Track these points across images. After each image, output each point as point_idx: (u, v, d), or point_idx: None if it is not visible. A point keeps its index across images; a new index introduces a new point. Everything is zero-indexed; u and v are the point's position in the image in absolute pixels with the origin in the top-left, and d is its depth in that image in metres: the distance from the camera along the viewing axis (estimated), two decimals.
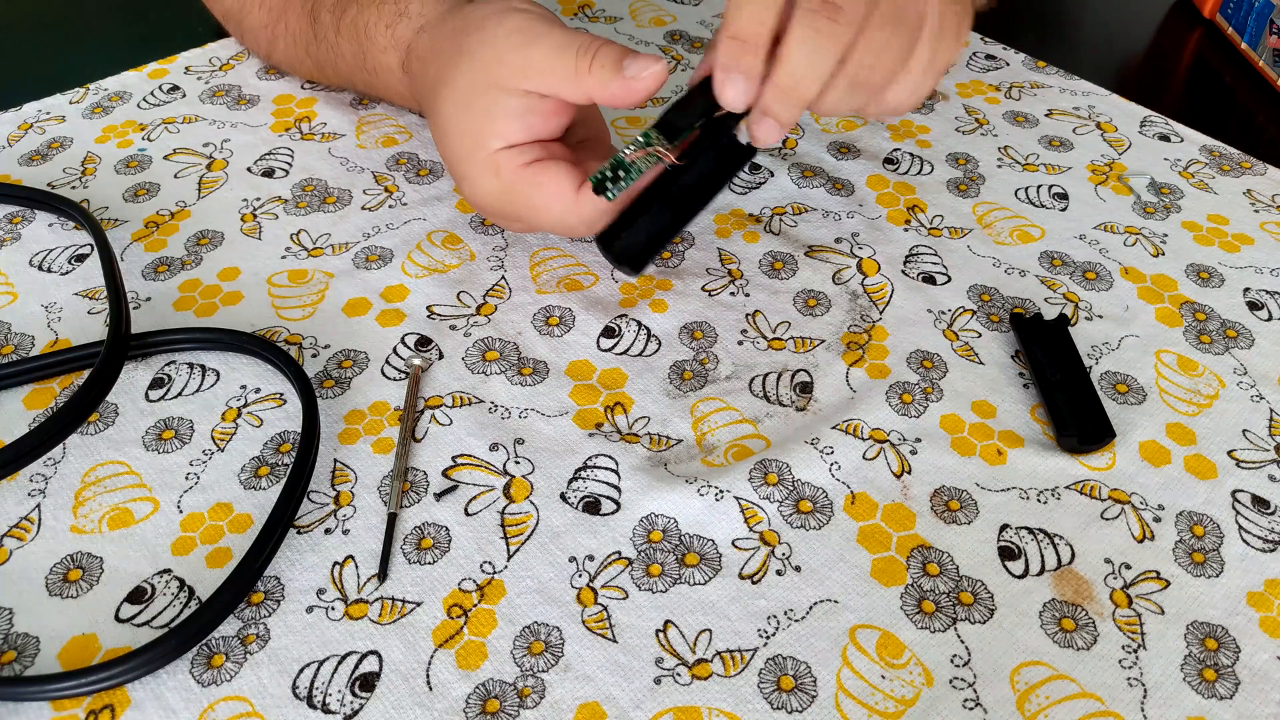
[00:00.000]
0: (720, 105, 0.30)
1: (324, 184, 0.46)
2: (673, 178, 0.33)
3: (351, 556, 0.31)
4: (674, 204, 0.33)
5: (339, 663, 0.29)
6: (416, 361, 0.37)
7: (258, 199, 0.45)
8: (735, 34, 0.28)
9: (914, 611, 0.31)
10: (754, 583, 0.31)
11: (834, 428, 0.36)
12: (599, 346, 0.39)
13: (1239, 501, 0.34)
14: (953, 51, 0.30)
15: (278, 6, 0.47)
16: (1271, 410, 0.37)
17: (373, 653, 0.29)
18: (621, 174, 0.33)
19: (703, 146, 0.32)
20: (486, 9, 0.36)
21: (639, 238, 0.34)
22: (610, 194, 0.34)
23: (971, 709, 0.28)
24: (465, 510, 0.33)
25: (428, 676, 0.29)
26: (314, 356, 0.38)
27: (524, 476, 0.34)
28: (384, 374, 0.38)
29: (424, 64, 0.39)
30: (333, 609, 0.30)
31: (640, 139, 0.33)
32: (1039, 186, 0.48)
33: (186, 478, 0.34)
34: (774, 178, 0.47)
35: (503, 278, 0.42)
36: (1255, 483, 0.35)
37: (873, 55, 0.28)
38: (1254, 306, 0.42)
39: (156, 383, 0.37)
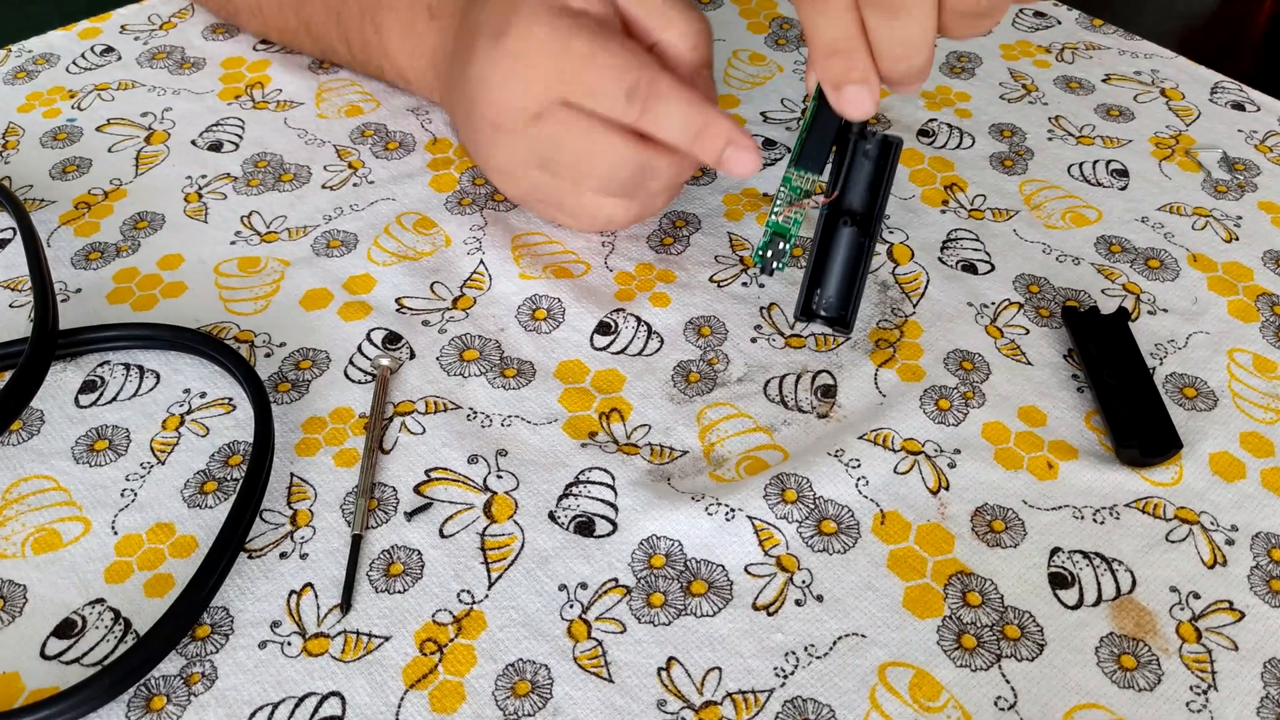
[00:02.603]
0: (846, 118, 0.32)
1: (279, 159, 0.46)
2: (835, 211, 0.34)
3: (310, 584, 0.32)
4: (851, 236, 0.34)
5: (296, 705, 0.29)
6: (384, 362, 0.37)
7: (203, 176, 0.45)
8: (831, 49, 0.30)
9: (952, 647, 0.31)
10: (770, 614, 0.31)
11: (861, 438, 0.36)
12: (593, 344, 0.39)
13: None
14: None
15: None
16: None
17: (335, 694, 0.29)
18: (781, 241, 0.35)
19: (848, 162, 0.34)
20: None
21: (837, 291, 0.35)
22: (780, 266, 0.35)
23: None
24: (440, 531, 0.33)
25: None
26: (268, 356, 0.38)
27: (507, 493, 0.34)
28: (347, 376, 0.38)
29: None
30: (289, 644, 0.30)
31: (785, 191, 0.34)
32: (1095, 162, 0.48)
33: (122, 494, 0.34)
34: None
35: (481, 263, 0.42)
36: None
37: None
38: None
39: (88, 386, 0.37)
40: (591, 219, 0.40)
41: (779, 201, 0.35)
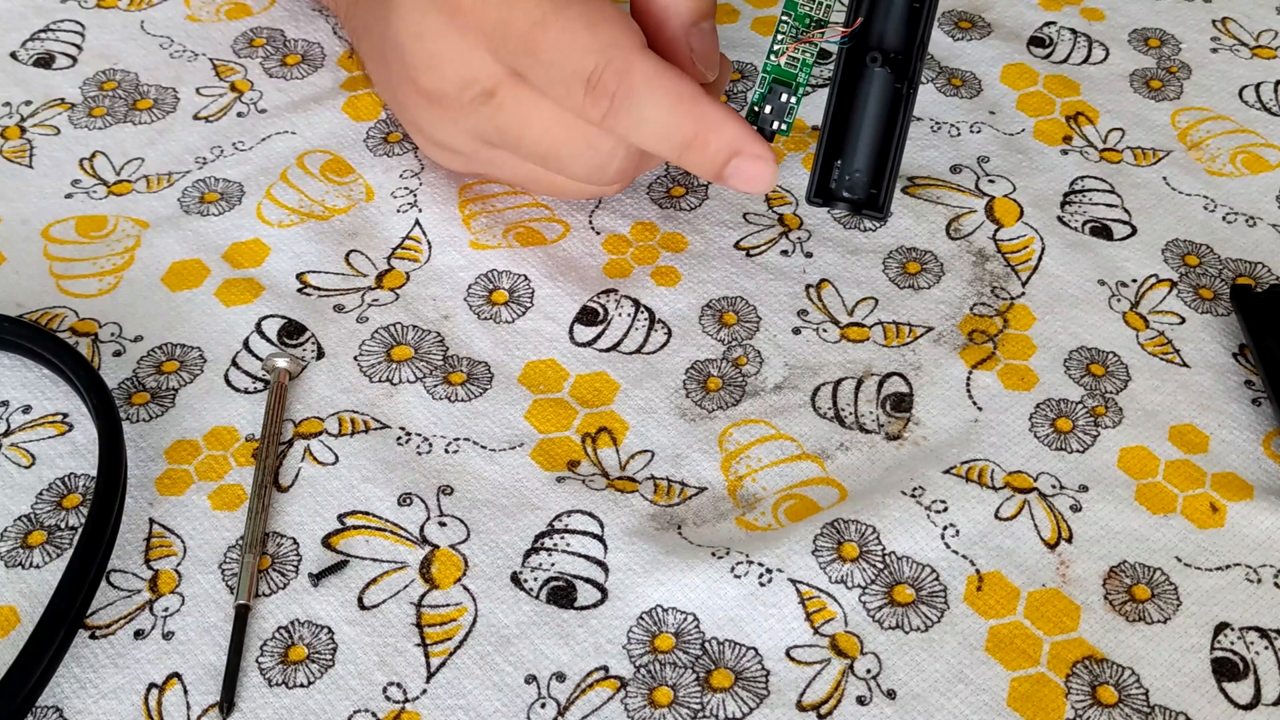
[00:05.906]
0: None
1: (133, 79, 0.46)
2: (859, 47, 0.34)
3: (178, 675, 0.31)
4: (882, 82, 0.34)
5: None
6: (281, 363, 0.37)
7: (26, 103, 0.45)
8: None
9: None
10: (821, 716, 0.30)
11: (948, 471, 0.35)
12: (573, 338, 0.39)
13: None
14: None
15: None
16: None
17: None
18: (784, 91, 0.35)
19: None
20: None
21: (866, 161, 0.34)
22: (783, 128, 0.35)
23: None
24: (359, 601, 0.33)
25: None
26: (118, 355, 0.38)
27: (453, 547, 0.34)
28: (230, 383, 0.37)
29: None
30: None
31: (789, 21, 0.34)
32: (1279, 83, 0.47)
33: None
34: None
35: (417, 224, 0.41)
36: None
37: None
38: None
39: None
40: (574, 196, 0.40)
41: (780, 36, 0.35)
